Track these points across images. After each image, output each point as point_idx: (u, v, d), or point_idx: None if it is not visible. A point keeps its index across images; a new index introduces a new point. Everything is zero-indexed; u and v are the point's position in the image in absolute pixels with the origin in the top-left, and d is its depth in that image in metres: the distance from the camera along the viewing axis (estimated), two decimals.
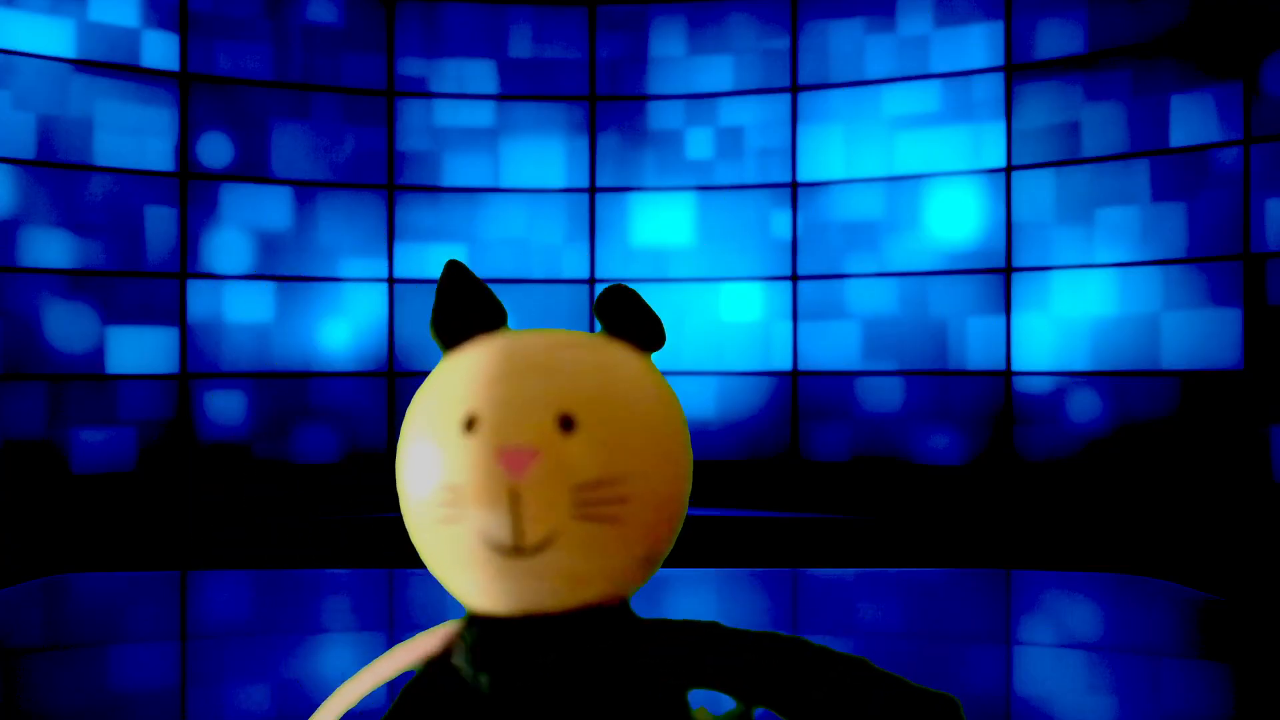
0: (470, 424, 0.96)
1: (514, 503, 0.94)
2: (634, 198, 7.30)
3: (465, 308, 1.06)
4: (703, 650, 1.03)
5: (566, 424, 0.96)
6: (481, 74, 7.26)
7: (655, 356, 1.12)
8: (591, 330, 1.07)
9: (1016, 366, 6.56)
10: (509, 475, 0.94)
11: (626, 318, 1.05)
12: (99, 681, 4.05)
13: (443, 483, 0.97)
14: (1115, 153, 6.20)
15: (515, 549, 0.95)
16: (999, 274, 6.62)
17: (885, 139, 6.92)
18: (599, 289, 7.28)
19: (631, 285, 1.08)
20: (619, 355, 1.03)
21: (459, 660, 1.03)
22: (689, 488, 1.04)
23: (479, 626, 1.02)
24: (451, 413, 0.98)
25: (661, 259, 7.28)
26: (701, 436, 6.95)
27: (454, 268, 1.07)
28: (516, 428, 0.95)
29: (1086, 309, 6.30)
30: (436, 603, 5.49)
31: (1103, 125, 6.25)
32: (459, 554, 0.98)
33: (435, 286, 1.07)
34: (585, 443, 0.96)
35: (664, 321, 1.08)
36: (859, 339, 6.97)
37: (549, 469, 0.94)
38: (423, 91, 7.19)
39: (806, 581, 5.95)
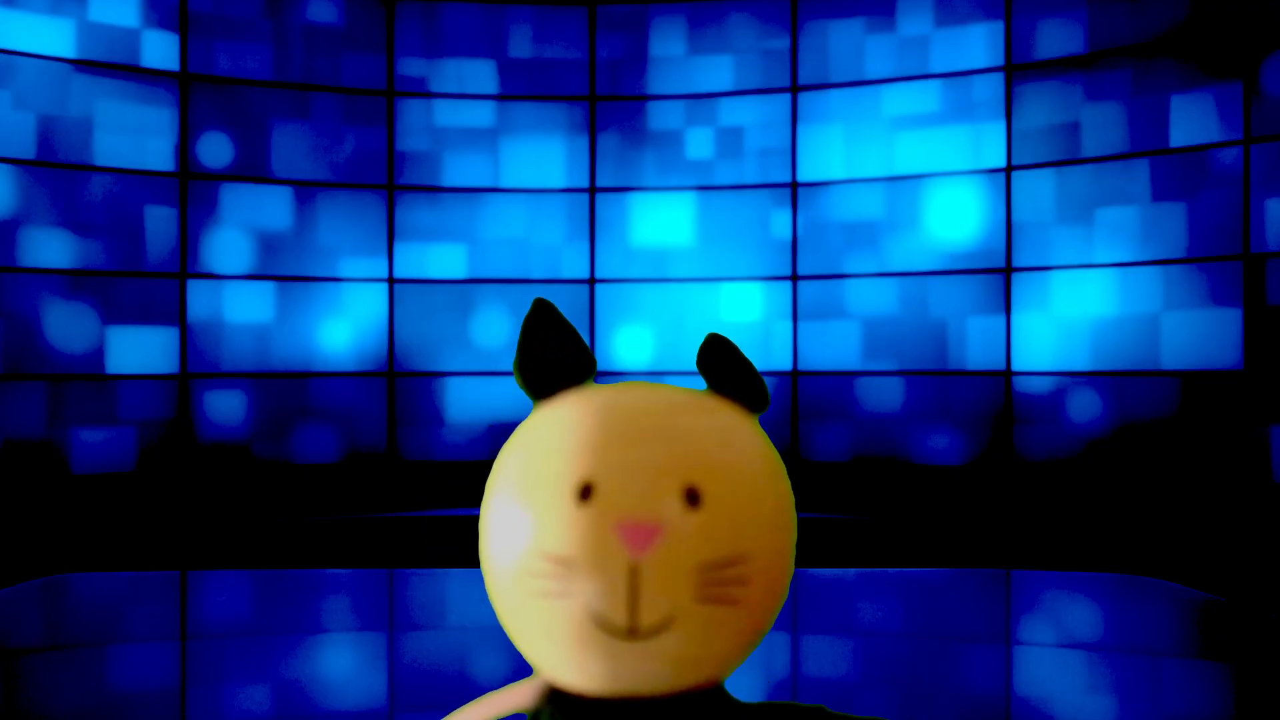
0: (585, 492, 0.89)
1: (632, 581, 0.88)
2: (634, 198, 7.30)
3: (557, 354, 0.99)
4: None
5: (692, 498, 0.90)
6: (481, 74, 7.26)
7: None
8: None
9: (1016, 366, 6.56)
10: (629, 551, 0.88)
11: (732, 376, 0.98)
12: (99, 681, 4.05)
13: (549, 553, 0.89)
14: (1115, 153, 6.20)
15: (629, 630, 0.89)
16: (999, 274, 6.62)
17: (885, 139, 6.92)
18: (599, 289, 7.28)
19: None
20: (736, 421, 0.97)
21: None
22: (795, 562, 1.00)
23: (563, 703, 0.96)
24: (562, 477, 0.90)
25: (661, 259, 7.28)
26: None
27: (542, 307, 0.99)
28: (639, 500, 0.89)
29: (1086, 309, 6.30)
30: (436, 604, 5.49)
31: (1103, 125, 6.25)
32: (559, 630, 0.91)
33: (521, 328, 1.00)
34: (710, 520, 0.90)
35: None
36: (859, 339, 6.97)
37: (672, 547, 0.88)
38: (423, 91, 7.19)
39: (806, 581, 5.96)
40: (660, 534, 0.88)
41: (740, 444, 0.95)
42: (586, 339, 7.37)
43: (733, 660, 0.95)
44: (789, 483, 1.00)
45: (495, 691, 1.03)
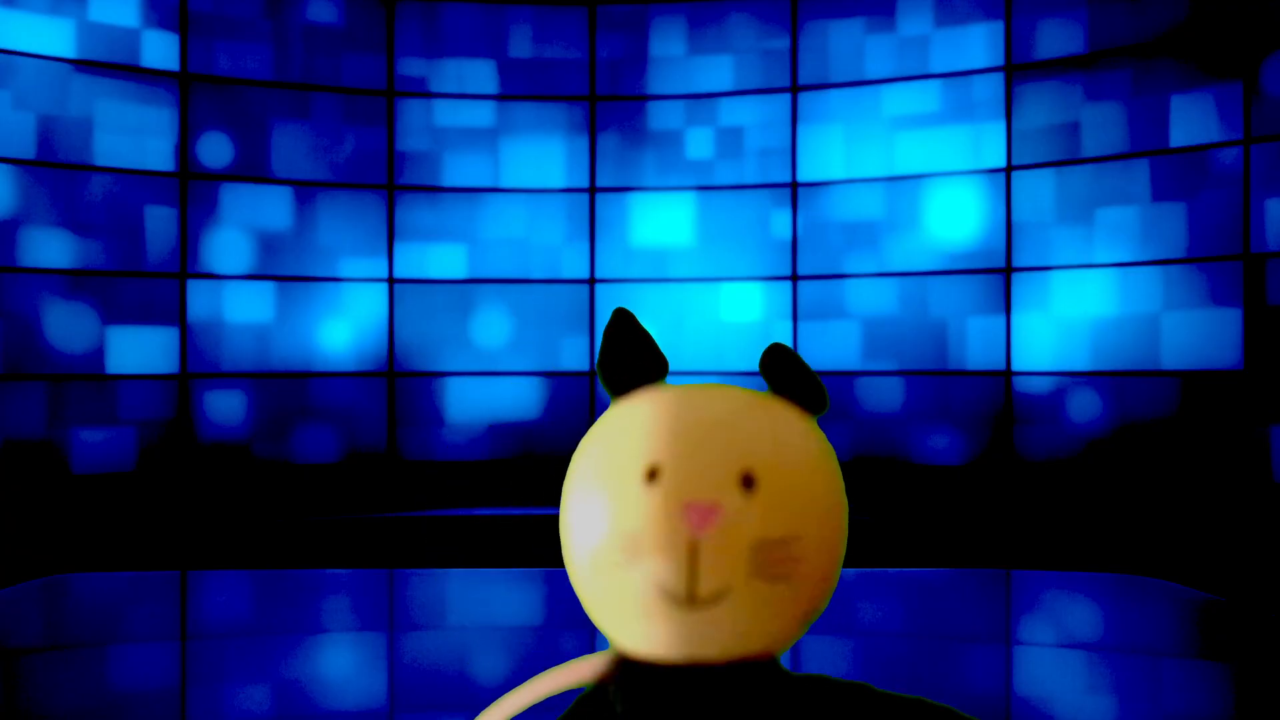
0: (652, 475, 0.99)
1: (691, 556, 0.97)
2: (634, 198, 7.30)
3: (633, 357, 1.09)
4: (851, 710, 1.07)
5: (748, 483, 0.99)
6: (481, 74, 7.26)
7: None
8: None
9: (1016, 366, 6.56)
10: (690, 529, 0.97)
11: (791, 380, 1.07)
12: (99, 681, 4.05)
13: (621, 530, 0.99)
14: (1115, 153, 6.20)
15: (689, 600, 0.98)
16: (999, 274, 6.62)
17: (885, 139, 6.92)
18: (599, 289, 7.28)
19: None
20: (792, 417, 1.06)
21: (613, 698, 1.06)
22: (846, 549, 1.08)
23: (634, 670, 1.05)
24: (632, 463, 1.01)
25: (661, 259, 7.28)
26: None
27: (621, 316, 1.10)
28: (700, 482, 0.98)
29: (1086, 309, 6.30)
30: (436, 604, 5.49)
31: (1103, 125, 6.25)
32: (629, 600, 1.00)
33: (603, 335, 1.10)
34: (765, 503, 0.99)
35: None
36: (859, 339, 6.97)
37: (729, 526, 0.97)
38: (423, 91, 7.19)
39: None
40: (718, 514, 0.97)
41: (794, 436, 1.04)
42: (586, 339, 7.39)
43: (786, 634, 1.04)
44: (840, 472, 1.07)
45: (563, 665, 1.12)
